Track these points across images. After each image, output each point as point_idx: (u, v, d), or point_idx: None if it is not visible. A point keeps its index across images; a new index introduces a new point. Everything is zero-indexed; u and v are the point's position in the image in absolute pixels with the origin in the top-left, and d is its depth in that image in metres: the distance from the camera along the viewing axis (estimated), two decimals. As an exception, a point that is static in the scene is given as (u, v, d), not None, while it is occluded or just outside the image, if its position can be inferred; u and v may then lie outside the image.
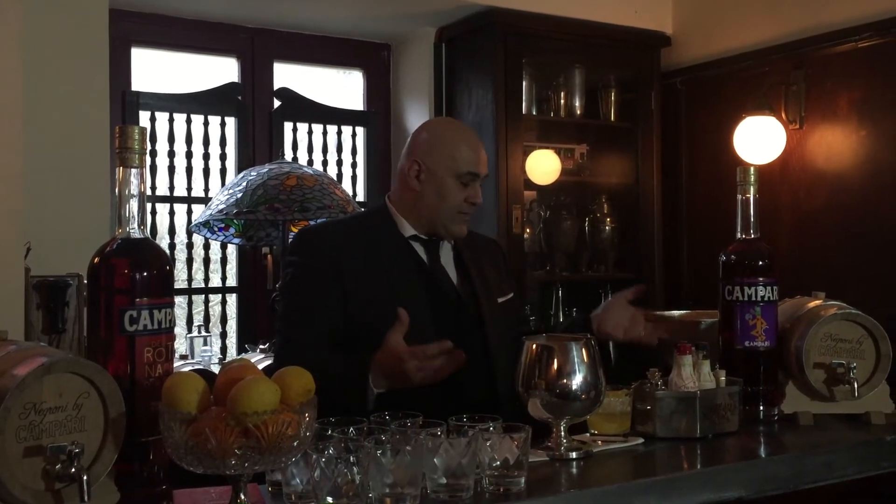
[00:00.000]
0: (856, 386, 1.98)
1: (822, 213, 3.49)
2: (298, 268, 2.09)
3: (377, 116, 4.13)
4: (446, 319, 2.05)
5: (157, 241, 2.98)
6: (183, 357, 3.40)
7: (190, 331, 3.64)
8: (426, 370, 1.83)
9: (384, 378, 1.88)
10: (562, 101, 4.01)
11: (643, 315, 2.14)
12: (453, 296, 2.12)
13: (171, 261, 1.43)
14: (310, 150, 3.99)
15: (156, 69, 3.72)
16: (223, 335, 3.77)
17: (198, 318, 3.72)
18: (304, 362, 1.89)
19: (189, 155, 3.71)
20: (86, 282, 1.46)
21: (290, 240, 2.26)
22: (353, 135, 4.12)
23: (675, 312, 3.23)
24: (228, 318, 3.81)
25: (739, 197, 2.11)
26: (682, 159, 4.07)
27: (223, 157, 3.76)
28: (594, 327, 2.12)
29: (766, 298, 2.06)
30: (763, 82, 3.66)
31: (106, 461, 1.32)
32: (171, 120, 3.65)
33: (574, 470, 1.66)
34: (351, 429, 1.50)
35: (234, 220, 3.41)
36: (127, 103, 3.51)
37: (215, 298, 3.87)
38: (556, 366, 1.70)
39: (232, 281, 3.84)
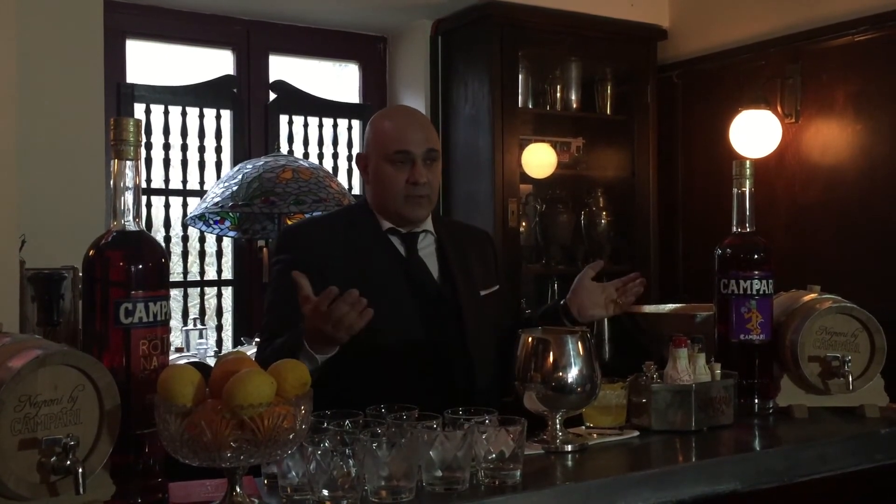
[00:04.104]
0: (850, 379, 1.99)
1: (818, 207, 3.49)
2: (283, 264, 2.06)
3: (373, 109, 4.11)
4: (426, 311, 2.05)
5: (153, 234, 2.98)
6: (179, 350, 3.40)
7: (186, 324, 3.64)
8: (335, 322, 1.74)
9: (320, 343, 1.80)
10: (558, 95, 4.01)
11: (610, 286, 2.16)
12: (431, 287, 2.10)
13: (167, 253, 1.43)
14: (305, 143, 3.98)
15: (151, 61, 3.70)
16: (219, 328, 3.77)
17: (193, 311, 3.72)
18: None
19: (184, 147, 3.70)
20: (81, 274, 1.46)
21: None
22: (349, 128, 4.11)
23: (671, 305, 3.26)
24: (224, 311, 3.81)
25: (735, 190, 2.11)
26: (679, 153, 4.07)
27: (218, 149, 3.76)
28: (575, 312, 2.11)
29: (761, 292, 2.06)
30: (759, 76, 3.66)
31: (101, 454, 1.32)
32: (166, 112, 3.64)
33: (569, 463, 1.67)
34: (347, 422, 1.50)
35: (230, 213, 3.40)
36: (122, 95, 3.50)
37: (211, 291, 3.86)
38: (551, 359, 1.70)
39: (227, 274, 3.84)
